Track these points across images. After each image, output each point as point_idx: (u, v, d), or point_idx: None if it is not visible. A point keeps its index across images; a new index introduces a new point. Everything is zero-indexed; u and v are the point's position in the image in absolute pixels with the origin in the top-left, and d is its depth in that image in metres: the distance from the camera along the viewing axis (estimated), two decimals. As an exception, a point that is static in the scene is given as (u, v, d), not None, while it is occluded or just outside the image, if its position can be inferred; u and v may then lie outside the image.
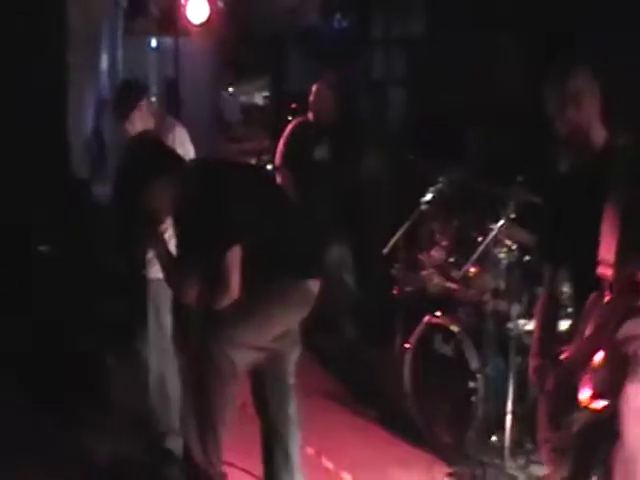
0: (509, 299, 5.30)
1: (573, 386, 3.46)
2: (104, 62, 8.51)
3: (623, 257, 3.29)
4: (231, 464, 4.91)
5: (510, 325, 5.24)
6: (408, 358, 5.80)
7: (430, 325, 5.71)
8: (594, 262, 3.45)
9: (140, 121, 5.45)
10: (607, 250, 3.36)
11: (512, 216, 5.39)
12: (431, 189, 5.90)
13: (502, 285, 5.41)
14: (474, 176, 6.17)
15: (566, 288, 4.18)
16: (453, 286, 5.74)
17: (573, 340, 3.64)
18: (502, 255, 5.40)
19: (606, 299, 3.37)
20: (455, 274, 5.70)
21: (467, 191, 5.92)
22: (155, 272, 5.66)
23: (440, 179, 5.90)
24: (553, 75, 3.92)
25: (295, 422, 4.70)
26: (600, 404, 3.37)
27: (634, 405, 3.31)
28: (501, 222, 5.38)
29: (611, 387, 3.34)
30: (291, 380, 4.70)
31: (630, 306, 3.29)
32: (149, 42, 8.70)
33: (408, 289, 6.14)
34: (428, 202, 5.89)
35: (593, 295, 3.48)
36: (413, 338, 5.79)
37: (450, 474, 5.38)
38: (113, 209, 7.34)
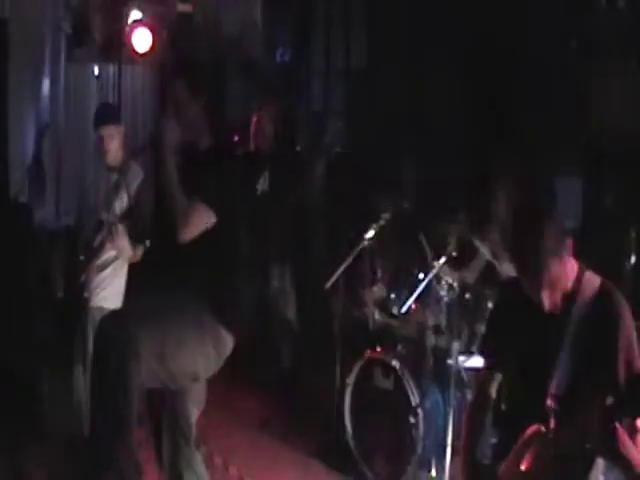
0: (449, 336, 5.40)
1: None
2: (46, 88, 8.52)
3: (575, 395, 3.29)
4: None
5: (450, 361, 5.33)
6: (348, 392, 5.84)
7: (370, 360, 5.76)
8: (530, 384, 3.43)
9: (114, 139, 5.79)
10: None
11: (454, 254, 5.48)
12: (373, 225, 5.96)
13: (443, 322, 5.51)
14: (415, 212, 6.26)
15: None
16: (394, 322, 5.82)
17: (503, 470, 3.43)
18: (443, 292, 5.49)
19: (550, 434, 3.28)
20: (396, 310, 5.77)
21: (409, 228, 6.01)
22: (98, 301, 5.68)
23: (382, 215, 5.98)
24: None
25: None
26: None
27: None
28: (443, 259, 5.47)
29: None
30: (190, 434, 4.38)
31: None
32: (92, 69, 8.73)
33: (349, 324, 6.18)
34: (370, 238, 5.96)
35: (535, 427, 3.33)
36: (353, 372, 5.83)
37: (389, 508, 5.45)
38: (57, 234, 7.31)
